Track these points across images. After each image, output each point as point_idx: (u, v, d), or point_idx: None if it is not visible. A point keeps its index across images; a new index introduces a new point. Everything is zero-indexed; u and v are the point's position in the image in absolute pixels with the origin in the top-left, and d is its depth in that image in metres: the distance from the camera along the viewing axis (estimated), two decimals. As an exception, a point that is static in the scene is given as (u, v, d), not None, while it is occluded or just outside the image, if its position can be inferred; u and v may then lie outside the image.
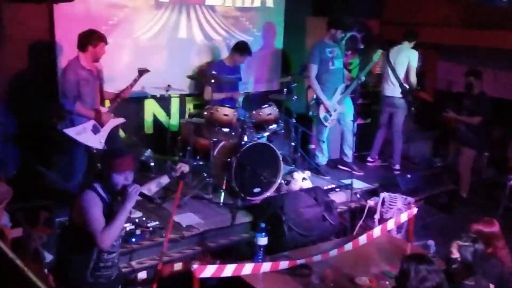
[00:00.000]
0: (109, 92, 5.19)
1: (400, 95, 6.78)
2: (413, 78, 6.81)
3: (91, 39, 4.80)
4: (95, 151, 4.89)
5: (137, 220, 4.57)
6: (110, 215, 3.17)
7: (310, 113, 6.70)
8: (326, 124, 6.44)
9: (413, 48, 6.90)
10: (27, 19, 5.41)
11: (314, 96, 6.57)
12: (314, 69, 6.29)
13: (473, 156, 6.82)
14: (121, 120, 5.19)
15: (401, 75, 6.78)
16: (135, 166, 3.29)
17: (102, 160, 3.39)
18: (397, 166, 6.95)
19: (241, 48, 6.26)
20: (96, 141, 4.92)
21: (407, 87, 6.78)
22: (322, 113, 6.39)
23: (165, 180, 3.71)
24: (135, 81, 5.14)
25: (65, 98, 4.78)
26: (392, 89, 6.80)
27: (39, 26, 5.51)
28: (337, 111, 6.44)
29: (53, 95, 5.30)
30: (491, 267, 3.53)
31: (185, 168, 3.77)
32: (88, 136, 4.87)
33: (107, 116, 4.98)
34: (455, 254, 3.47)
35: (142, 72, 5.20)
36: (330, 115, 6.41)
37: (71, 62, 4.80)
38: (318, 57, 6.27)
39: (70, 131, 4.80)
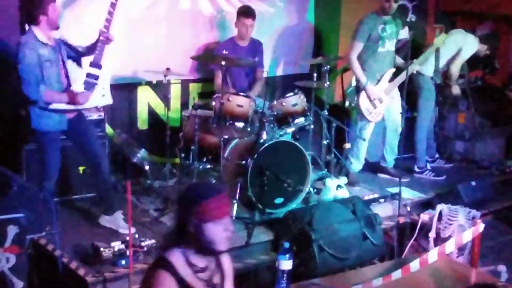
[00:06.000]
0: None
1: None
2: (455, 71, 6.81)
3: (37, 7, 4.73)
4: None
5: (128, 238, 4.58)
6: None
7: (347, 103, 6.68)
8: (369, 117, 6.38)
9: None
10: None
11: (353, 83, 6.54)
12: (357, 47, 6.25)
13: None
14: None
15: (441, 64, 6.83)
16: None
17: (183, 204, 2.77)
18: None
19: (237, 12, 6.30)
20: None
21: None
22: (364, 103, 6.34)
23: None
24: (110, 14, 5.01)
25: (28, 85, 4.71)
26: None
27: (7, 3, 5.56)
28: (384, 104, 6.38)
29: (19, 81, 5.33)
30: None
31: None
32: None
33: (83, 96, 4.90)
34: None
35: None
36: (375, 107, 6.35)
37: (27, 40, 4.73)
38: (367, 34, 6.20)
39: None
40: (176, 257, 2.66)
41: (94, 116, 5.58)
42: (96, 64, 4.94)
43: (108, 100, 5.07)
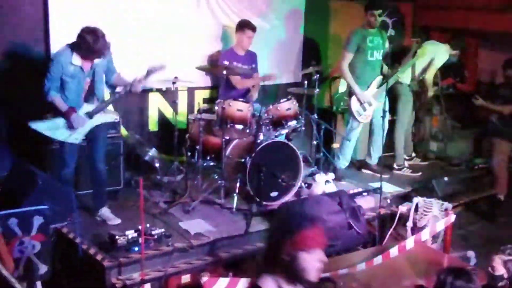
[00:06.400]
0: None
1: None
2: (430, 78, 6.83)
3: (83, 45, 4.59)
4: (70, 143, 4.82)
5: (140, 227, 4.57)
6: None
7: (335, 107, 6.66)
8: (359, 119, 6.36)
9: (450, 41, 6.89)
10: (19, 7, 5.47)
11: (339, 89, 6.53)
12: (347, 58, 6.24)
13: (508, 150, 6.74)
14: (107, 118, 4.99)
15: (417, 72, 6.84)
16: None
17: (278, 233, 2.52)
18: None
19: (240, 24, 6.25)
20: (69, 137, 4.81)
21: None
22: (354, 107, 6.32)
23: None
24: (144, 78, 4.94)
25: (44, 86, 4.70)
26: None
27: (33, 14, 5.56)
28: (373, 107, 6.37)
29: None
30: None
31: None
32: (60, 131, 4.77)
33: (78, 121, 4.77)
34: (500, 270, 3.40)
35: (151, 72, 4.98)
36: (365, 109, 6.34)
37: (61, 55, 4.69)
38: (356, 45, 6.21)
39: (38, 126, 4.73)
40: (269, 284, 2.43)
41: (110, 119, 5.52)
42: (90, 115, 4.84)
43: (75, 140, 4.85)
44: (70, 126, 4.78)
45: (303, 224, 2.42)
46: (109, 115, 5.06)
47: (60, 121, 4.80)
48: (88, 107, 4.86)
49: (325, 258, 2.46)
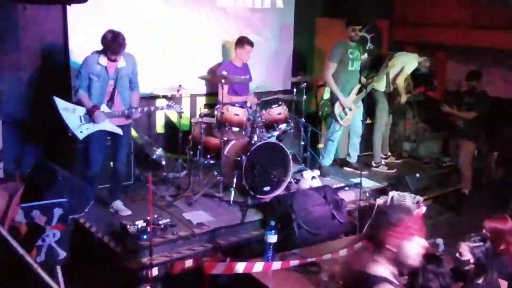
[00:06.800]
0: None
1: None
2: (401, 83, 6.86)
3: (102, 42, 4.64)
4: (69, 134, 4.73)
5: (148, 218, 4.56)
6: None
7: (320, 112, 6.65)
8: (341, 122, 6.37)
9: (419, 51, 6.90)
10: (40, 21, 5.46)
11: (324, 96, 6.53)
12: (332, 67, 6.25)
13: (473, 150, 6.77)
14: (117, 129, 4.89)
15: (390, 80, 6.86)
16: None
17: (383, 226, 2.39)
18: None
19: (240, 40, 6.23)
20: (77, 128, 4.72)
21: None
22: (337, 111, 6.33)
23: None
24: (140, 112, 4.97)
25: (76, 79, 4.78)
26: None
27: (53, 27, 5.56)
28: (352, 112, 6.38)
29: (67, 94, 5.32)
30: (504, 264, 3.48)
31: None
32: (72, 118, 4.71)
33: (100, 117, 4.74)
34: (466, 256, 3.40)
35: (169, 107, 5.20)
36: (346, 114, 6.35)
37: (89, 58, 4.74)
38: (339, 56, 6.23)
39: (59, 103, 4.70)
40: (383, 272, 2.35)
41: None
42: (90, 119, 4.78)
43: (80, 134, 4.76)
44: (86, 119, 4.74)
45: (402, 216, 2.37)
46: (116, 127, 4.92)
47: (80, 110, 4.75)
48: (104, 109, 4.82)
49: (426, 243, 2.40)
